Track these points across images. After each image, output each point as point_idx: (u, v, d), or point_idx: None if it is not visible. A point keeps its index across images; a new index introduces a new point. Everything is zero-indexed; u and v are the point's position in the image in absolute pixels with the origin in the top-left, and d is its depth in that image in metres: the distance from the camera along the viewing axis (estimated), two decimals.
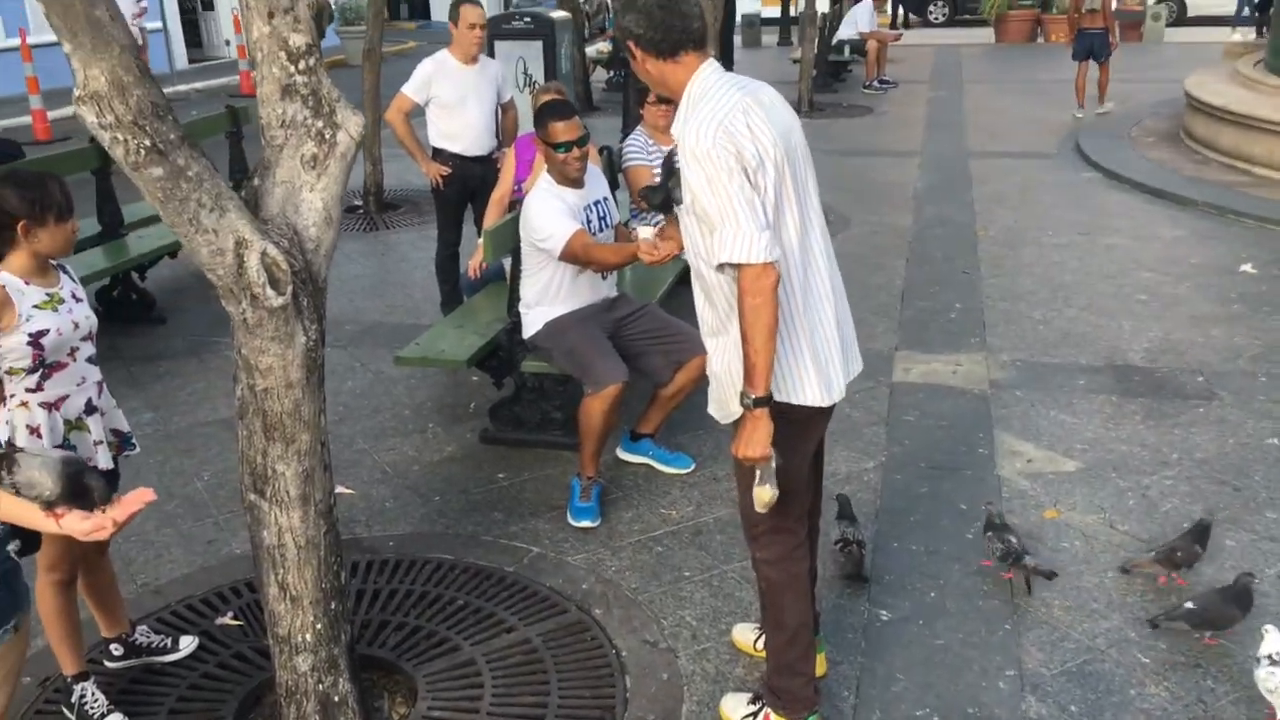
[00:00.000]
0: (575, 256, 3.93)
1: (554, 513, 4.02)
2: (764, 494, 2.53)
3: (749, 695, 2.95)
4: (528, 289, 4.19)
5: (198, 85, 17.07)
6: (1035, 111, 12.49)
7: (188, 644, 3.21)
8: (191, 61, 19.97)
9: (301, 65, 2.44)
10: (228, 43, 20.06)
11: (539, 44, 10.83)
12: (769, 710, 2.84)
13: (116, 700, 2.98)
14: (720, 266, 2.42)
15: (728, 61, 17.54)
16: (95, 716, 2.89)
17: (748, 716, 2.89)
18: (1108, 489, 4.04)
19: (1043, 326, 5.70)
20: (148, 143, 2.21)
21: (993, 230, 7.60)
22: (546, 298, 4.14)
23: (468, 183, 5.84)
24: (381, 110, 8.42)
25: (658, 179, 3.98)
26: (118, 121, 2.19)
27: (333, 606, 2.68)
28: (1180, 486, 4.05)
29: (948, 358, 5.35)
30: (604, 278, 4.27)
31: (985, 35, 21.25)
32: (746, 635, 3.23)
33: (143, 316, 6.21)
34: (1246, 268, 6.55)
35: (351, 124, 2.51)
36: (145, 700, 3.04)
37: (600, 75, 16.12)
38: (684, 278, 5.46)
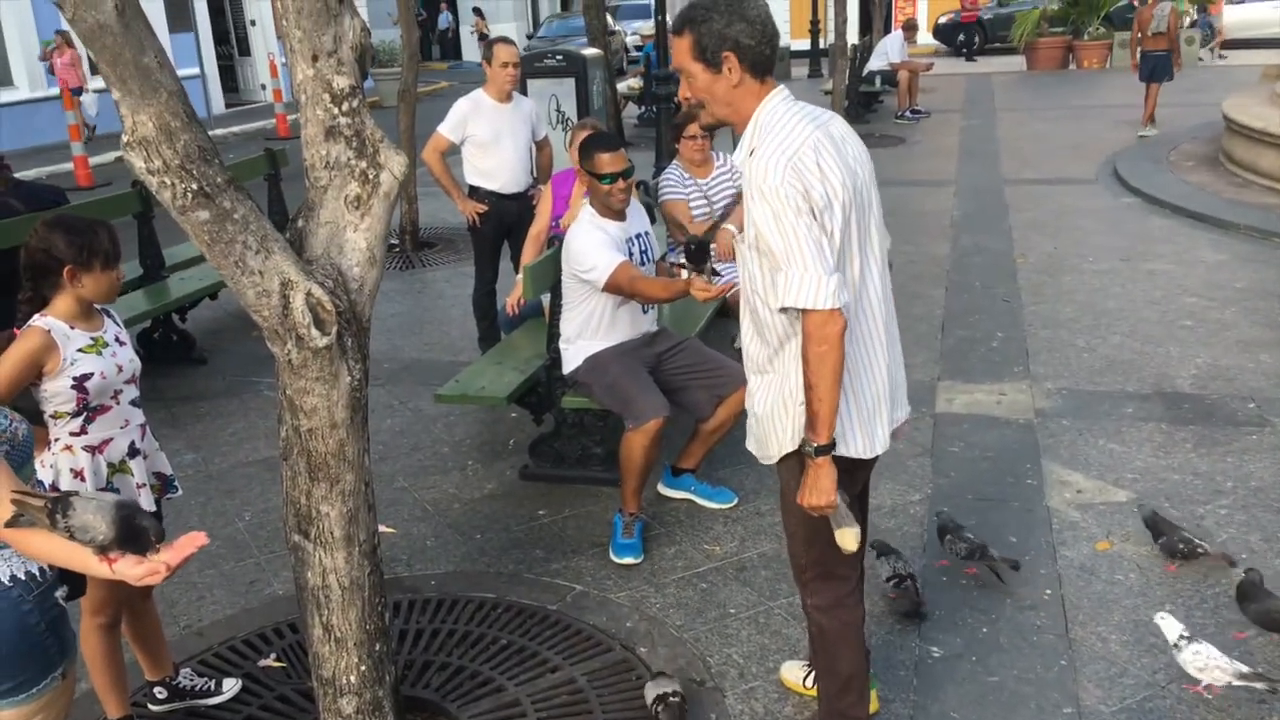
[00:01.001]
0: (620, 288, 3.92)
1: (596, 549, 3.98)
2: (845, 537, 2.46)
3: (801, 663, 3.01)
4: (568, 324, 4.18)
5: (235, 129, 17.40)
6: (1070, 138, 12.40)
7: (231, 686, 3.20)
8: (228, 105, 20.38)
9: (345, 107, 2.45)
10: (264, 87, 20.46)
11: (571, 81, 10.93)
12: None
13: None
14: (783, 308, 2.34)
15: None
16: None
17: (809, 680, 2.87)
18: None
19: (1087, 354, 5.61)
20: (195, 186, 2.23)
21: (1032, 257, 7.52)
22: (587, 332, 4.13)
23: (504, 220, 5.87)
24: (417, 150, 8.54)
25: (683, 258, 3.96)
26: (165, 166, 2.21)
27: (377, 648, 2.66)
28: (1236, 515, 3.94)
29: (991, 387, 5.27)
30: (645, 311, 4.26)
31: (1017, 63, 21.20)
32: (795, 673, 3.16)
33: (183, 358, 6.29)
34: None
35: (395, 164, 2.52)
36: None
37: (632, 111, 16.24)
38: (722, 311, 5.45)
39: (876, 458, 2.58)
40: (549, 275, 4.36)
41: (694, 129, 5.50)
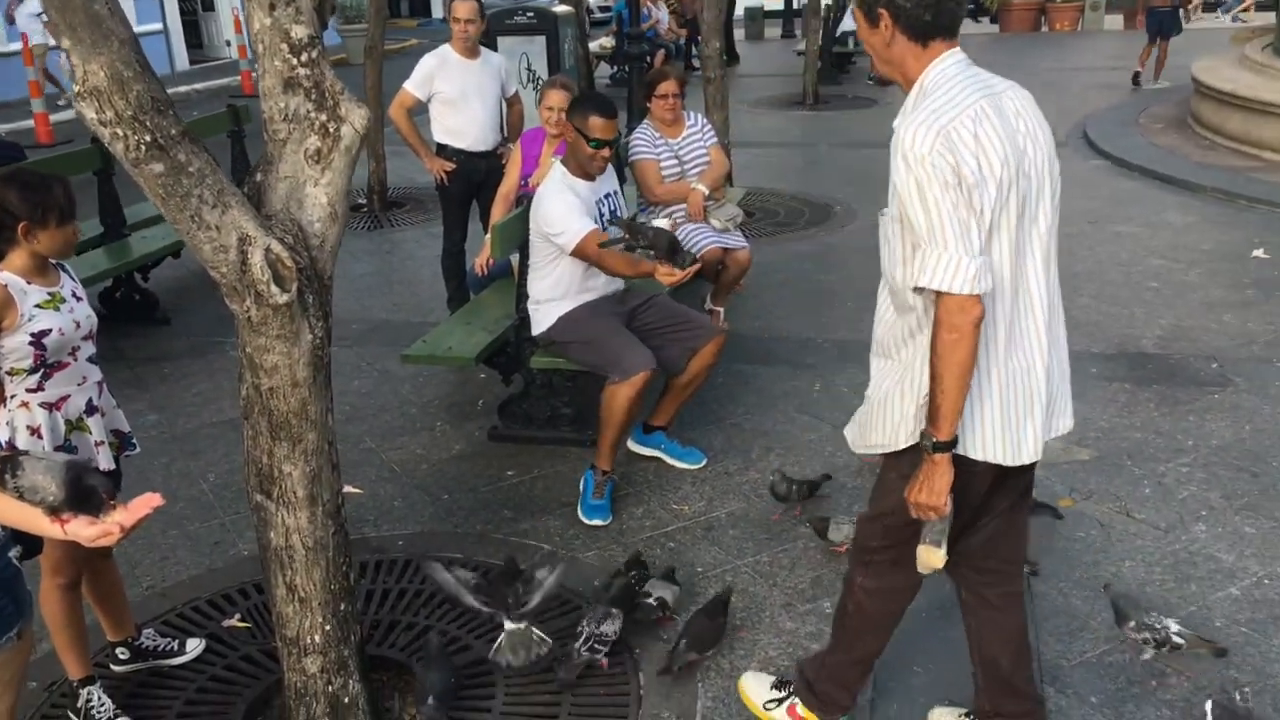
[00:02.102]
0: (586, 256, 3.89)
1: (564, 509, 3.98)
2: (930, 556, 2.29)
3: (774, 679, 2.89)
4: (538, 284, 4.14)
5: (199, 86, 17.07)
6: (1041, 100, 12.30)
7: (195, 647, 3.18)
8: (192, 62, 19.97)
9: (304, 58, 2.39)
10: (228, 43, 20.05)
11: (542, 39, 10.78)
12: (797, 702, 2.79)
13: (123, 704, 2.94)
14: (917, 288, 2.15)
15: (732, 54, 17.50)
16: None
17: (771, 703, 2.84)
18: (1123, 477, 3.99)
19: None
20: (148, 138, 2.17)
21: None
22: (558, 292, 4.10)
23: (472, 179, 5.80)
24: (384, 107, 8.41)
25: (615, 231, 3.90)
26: (118, 117, 2.15)
27: (342, 607, 2.65)
28: (1197, 473, 4.00)
29: None
30: None
31: (990, 26, 21.15)
32: (757, 691, 2.89)
33: (146, 317, 6.19)
34: (1259, 253, 6.49)
35: (355, 117, 2.46)
36: (152, 704, 3.01)
37: (604, 70, 16.08)
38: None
39: (1032, 466, 2.36)
40: (517, 234, 4.31)
41: (666, 87, 5.44)
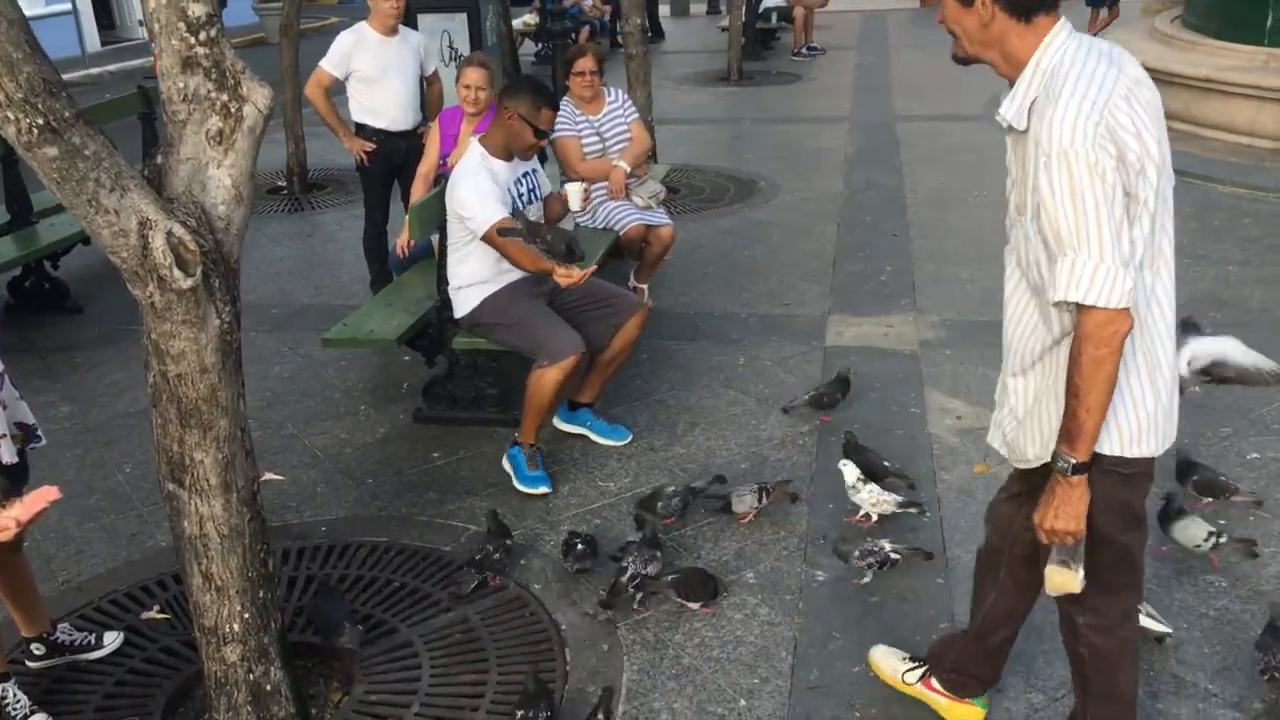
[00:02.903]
0: (493, 243, 3.87)
1: (490, 489, 3.98)
2: (1064, 578, 2.15)
3: (904, 653, 2.85)
4: (459, 265, 4.11)
5: (111, 68, 16.54)
6: (959, 74, 12.56)
7: (112, 640, 3.13)
8: (104, 43, 19.33)
9: (202, 36, 2.34)
10: (141, 23, 19.43)
11: (463, 16, 10.64)
12: (933, 679, 2.76)
13: (40, 700, 2.89)
14: (1059, 302, 1.98)
15: (657, 31, 17.45)
16: (18, 718, 2.80)
17: (909, 672, 2.80)
18: None
19: (970, 286, 5.77)
20: (40, 121, 2.11)
21: (921, 193, 7.67)
22: (480, 274, 4.07)
23: (393, 159, 5.73)
24: (302, 87, 8.25)
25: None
26: (8, 100, 2.09)
27: (260, 595, 2.62)
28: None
29: (879, 319, 5.40)
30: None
31: (910, 0, 21.38)
32: (891, 663, 2.87)
33: (57, 306, 6.01)
34: None
35: (258, 96, 2.42)
36: (70, 699, 2.95)
37: (528, 48, 15.93)
38: (614, 250, 5.44)
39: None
40: (435, 215, 4.28)
41: (583, 64, 5.42)
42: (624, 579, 3.20)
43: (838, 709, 2.83)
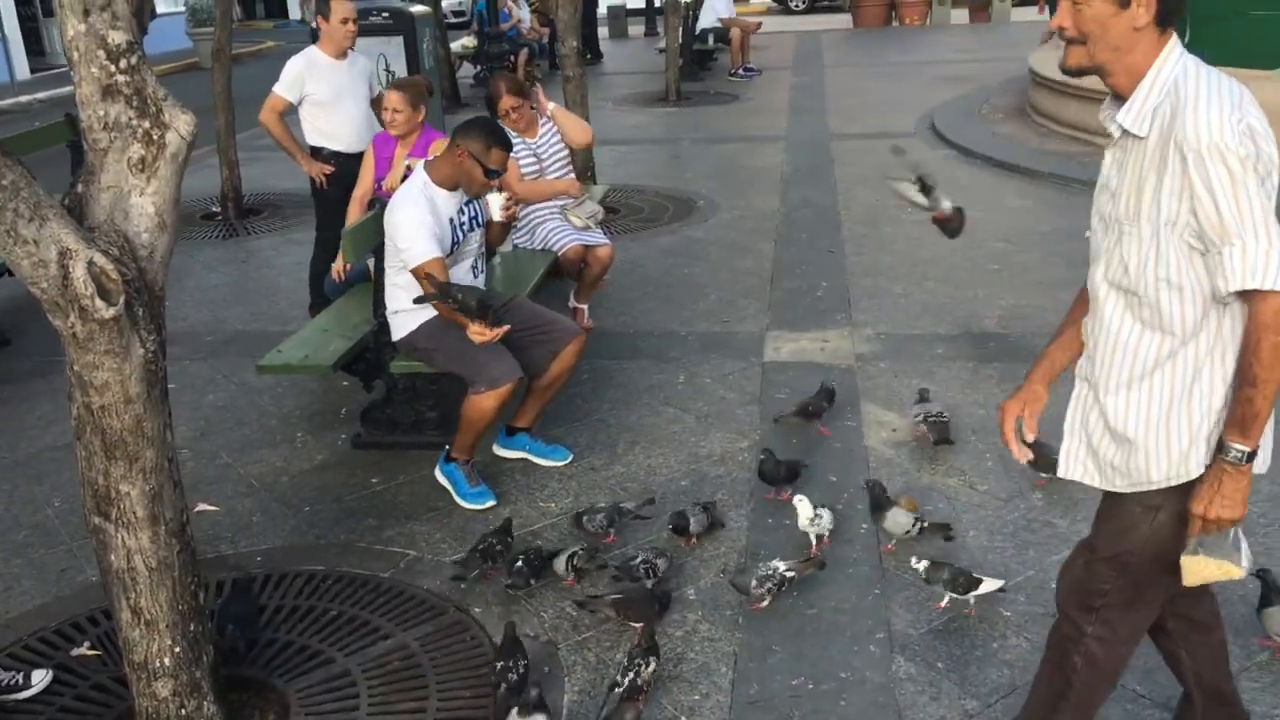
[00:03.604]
0: (418, 280, 3.85)
1: (431, 514, 3.96)
2: (1212, 568, 2.10)
3: None
4: (397, 289, 4.09)
5: (40, 95, 16.25)
6: (893, 93, 12.86)
7: (41, 678, 3.05)
8: (33, 70, 18.98)
9: (123, 64, 2.34)
10: None
11: (399, 39, 10.63)
12: None
13: None
14: (1236, 291, 1.95)
15: (595, 52, 17.55)
16: None
17: None
18: (967, 451, 4.20)
19: (903, 300, 5.88)
20: None
21: (855, 210, 7.80)
22: (417, 298, 4.05)
23: (348, 181, 5.72)
24: (233, 112, 8.17)
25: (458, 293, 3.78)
26: None
27: (191, 628, 2.59)
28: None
29: (816, 335, 5.47)
30: (474, 275, 4.23)
31: (844, 21, 21.78)
32: None
33: None
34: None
35: (181, 123, 2.41)
36: None
37: (467, 70, 15.93)
38: (553, 271, 5.46)
39: None
40: (370, 239, 4.26)
41: (504, 105, 5.44)
42: (635, 560, 3.38)
43: None
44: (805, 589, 3.38)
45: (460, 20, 22.83)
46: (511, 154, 5.37)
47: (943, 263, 6.47)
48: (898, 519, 3.54)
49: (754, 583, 3.26)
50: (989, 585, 3.18)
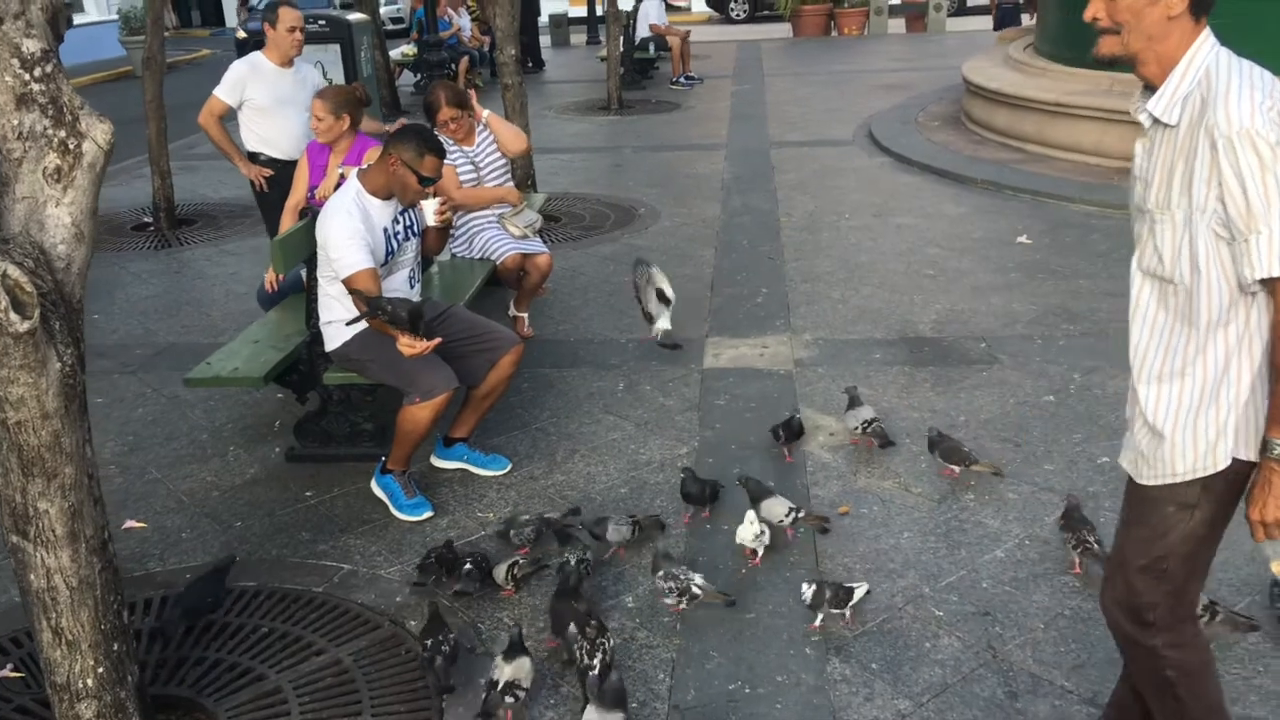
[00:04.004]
0: (352, 289, 3.82)
1: (366, 527, 3.92)
2: None
3: None
4: (331, 300, 4.04)
5: None
6: (831, 102, 13.02)
7: None
8: None
9: (37, 72, 2.29)
10: None
11: (336, 47, 10.54)
12: None
13: None
14: (1266, 279, 1.95)
15: (537, 61, 17.53)
16: None
17: None
18: (902, 454, 4.25)
19: (841, 305, 5.94)
20: None
21: (794, 216, 7.88)
22: (351, 307, 4.00)
23: (289, 186, 5.66)
24: (165, 120, 8.02)
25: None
26: None
27: (115, 648, 2.53)
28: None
29: (755, 341, 5.51)
30: (411, 286, 4.20)
31: (784, 30, 22.01)
32: None
33: None
34: (1022, 239, 7.02)
35: (98, 132, 2.36)
36: None
37: (407, 79, 15.81)
38: (491, 279, 5.44)
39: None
40: (301, 249, 4.21)
41: (442, 117, 5.41)
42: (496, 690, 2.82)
43: None
44: (742, 593, 3.40)
45: (399, 28, 22.69)
46: (448, 161, 5.41)
47: (880, 268, 6.56)
48: (774, 508, 3.59)
49: (662, 574, 3.23)
50: (859, 592, 3.20)
